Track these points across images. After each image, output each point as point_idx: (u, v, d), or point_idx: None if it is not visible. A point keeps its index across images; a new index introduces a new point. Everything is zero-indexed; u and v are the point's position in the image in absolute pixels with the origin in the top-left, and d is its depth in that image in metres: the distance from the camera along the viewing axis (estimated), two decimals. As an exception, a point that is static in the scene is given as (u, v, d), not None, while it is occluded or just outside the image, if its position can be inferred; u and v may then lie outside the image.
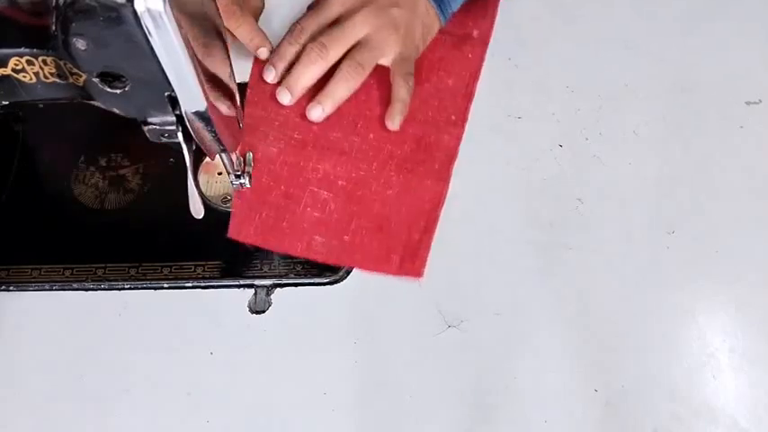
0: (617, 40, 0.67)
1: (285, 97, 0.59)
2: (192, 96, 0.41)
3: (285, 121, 0.60)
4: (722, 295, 0.55)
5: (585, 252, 0.56)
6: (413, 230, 0.56)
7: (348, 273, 0.56)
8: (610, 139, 0.62)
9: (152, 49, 0.37)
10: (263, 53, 0.61)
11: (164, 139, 0.45)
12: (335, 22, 0.60)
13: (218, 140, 0.46)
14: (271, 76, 0.60)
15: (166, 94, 0.41)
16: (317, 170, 0.58)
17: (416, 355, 0.53)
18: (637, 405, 0.51)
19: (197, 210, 0.49)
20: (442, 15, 0.63)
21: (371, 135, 0.60)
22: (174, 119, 0.43)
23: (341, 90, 0.59)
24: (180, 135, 0.44)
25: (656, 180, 0.59)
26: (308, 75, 0.59)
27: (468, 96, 0.63)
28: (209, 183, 0.59)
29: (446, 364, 0.52)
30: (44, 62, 0.40)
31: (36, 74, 0.40)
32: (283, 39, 0.61)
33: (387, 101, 0.60)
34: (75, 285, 0.55)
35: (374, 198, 0.57)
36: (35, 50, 0.39)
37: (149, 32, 0.36)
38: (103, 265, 0.56)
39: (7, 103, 0.43)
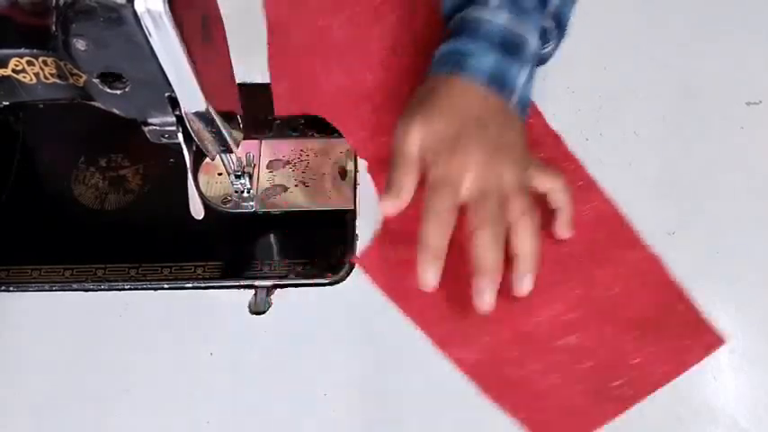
0: (617, 40, 0.67)
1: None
2: (192, 97, 0.41)
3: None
4: (722, 295, 0.55)
5: (585, 252, 0.56)
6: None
7: (348, 273, 0.56)
8: (610, 139, 0.62)
9: (152, 49, 0.37)
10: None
11: (164, 140, 0.45)
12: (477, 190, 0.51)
13: (219, 141, 0.46)
14: (430, 276, 0.49)
15: (166, 94, 0.41)
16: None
17: (416, 355, 0.53)
18: (637, 405, 0.51)
19: (197, 210, 0.49)
20: (524, 118, 0.57)
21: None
22: (174, 119, 0.43)
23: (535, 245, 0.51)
24: (180, 136, 0.44)
25: (656, 180, 0.59)
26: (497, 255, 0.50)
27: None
28: (210, 183, 0.59)
29: (447, 365, 0.52)
30: (44, 63, 0.40)
31: (36, 74, 0.40)
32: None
33: None
34: (75, 286, 0.55)
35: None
36: (35, 51, 0.39)
37: (149, 33, 0.36)
38: (103, 266, 0.56)
39: (7, 103, 0.43)
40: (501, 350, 0.52)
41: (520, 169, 0.53)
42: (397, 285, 0.54)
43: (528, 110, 0.58)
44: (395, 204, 0.52)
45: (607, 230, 0.56)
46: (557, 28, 0.59)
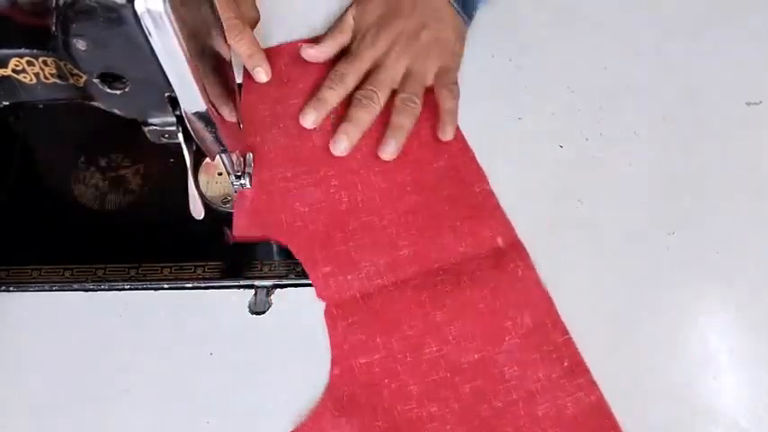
0: (617, 40, 0.67)
1: (342, 144, 0.58)
2: (192, 97, 0.41)
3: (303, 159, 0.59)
4: (722, 295, 0.55)
5: (585, 252, 0.56)
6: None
7: (348, 273, 0.56)
8: (610, 139, 0.62)
9: (152, 49, 0.37)
10: (261, 76, 0.62)
11: (164, 140, 0.45)
12: (373, 66, 0.61)
13: (219, 141, 0.46)
14: (311, 119, 0.60)
15: (167, 94, 0.41)
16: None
17: (416, 355, 0.53)
18: (637, 405, 0.51)
19: (197, 210, 0.49)
20: (467, 17, 0.64)
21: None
22: (174, 119, 0.43)
23: (406, 123, 0.59)
24: (180, 136, 0.44)
25: (656, 180, 0.59)
26: (364, 121, 0.59)
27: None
28: (209, 183, 0.59)
29: (446, 365, 0.52)
30: (44, 63, 0.40)
31: (36, 74, 0.40)
32: (323, 84, 0.61)
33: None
34: (75, 286, 0.55)
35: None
36: (35, 51, 0.39)
37: (149, 33, 0.36)
38: (104, 266, 0.56)
39: (7, 103, 0.43)
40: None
41: (433, 65, 0.62)
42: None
43: (473, 13, 0.65)
44: (313, 55, 0.63)
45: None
46: None
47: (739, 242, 0.57)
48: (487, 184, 0.58)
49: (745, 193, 0.59)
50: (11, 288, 0.55)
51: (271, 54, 0.63)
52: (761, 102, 0.63)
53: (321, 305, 0.54)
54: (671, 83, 0.64)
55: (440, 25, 0.62)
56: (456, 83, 0.62)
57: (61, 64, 0.40)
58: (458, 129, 0.61)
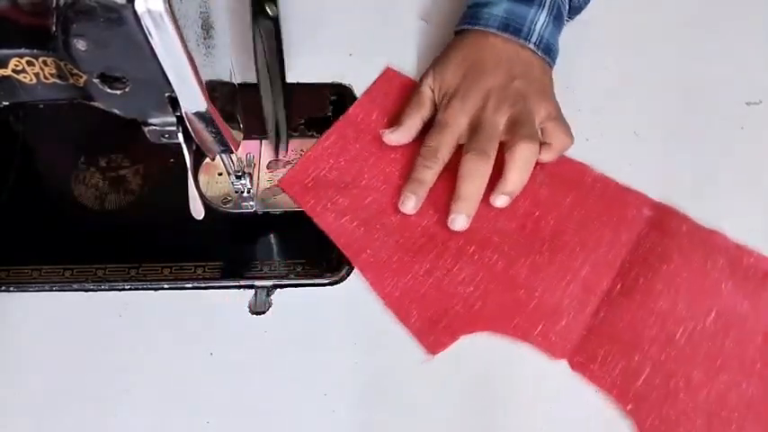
0: (617, 40, 0.67)
1: (461, 221, 0.55)
2: (192, 97, 0.41)
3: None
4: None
5: (585, 252, 0.56)
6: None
7: (348, 273, 0.56)
8: (610, 139, 0.62)
9: (152, 49, 0.37)
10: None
11: (164, 140, 0.45)
12: (471, 129, 0.57)
13: (219, 141, 0.46)
14: (410, 205, 0.56)
15: (167, 94, 0.41)
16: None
17: (416, 356, 0.53)
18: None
19: (197, 210, 0.49)
20: (552, 62, 0.61)
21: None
22: (174, 120, 0.43)
23: (524, 177, 0.55)
24: (180, 136, 0.44)
25: (656, 180, 0.59)
26: (478, 185, 0.55)
27: None
28: (210, 183, 0.59)
29: (446, 365, 0.52)
30: (44, 63, 0.40)
31: (36, 75, 0.40)
32: (417, 164, 0.57)
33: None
34: (75, 286, 0.55)
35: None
36: (35, 51, 0.39)
37: (150, 33, 0.36)
38: (104, 266, 0.56)
39: (7, 103, 0.43)
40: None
41: (542, 108, 0.57)
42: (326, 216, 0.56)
43: (555, 55, 0.61)
44: (395, 140, 0.59)
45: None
46: None
47: (739, 242, 0.57)
48: (594, 170, 0.59)
49: (745, 193, 0.59)
50: (11, 288, 0.55)
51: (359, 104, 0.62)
52: (761, 102, 0.63)
53: (321, 305, 0.54)
54: (671, 83, 0.64)
55: (528, 71, 0.58)
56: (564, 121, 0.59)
57: (61, 64, 0.40)
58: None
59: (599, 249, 0.56)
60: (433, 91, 0.60)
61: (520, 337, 0.53)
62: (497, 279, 0.55)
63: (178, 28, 0.36)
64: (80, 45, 0.38)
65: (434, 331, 0.53)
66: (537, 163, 0.56)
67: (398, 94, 0.63)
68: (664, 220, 0.57)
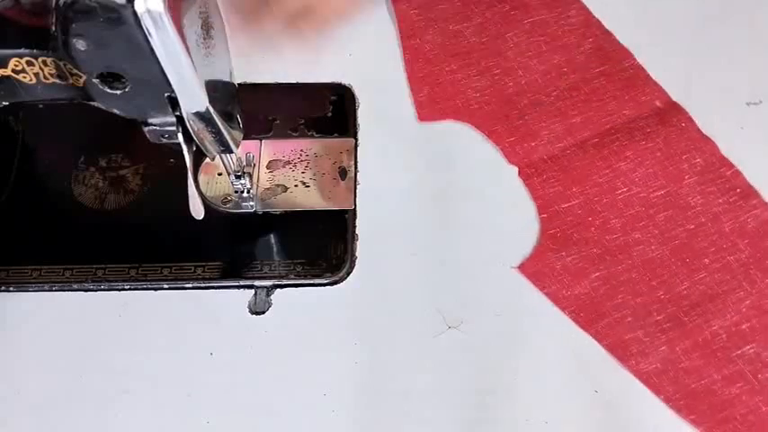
0: (617, 39, 0.67)
1: None
2: (192, 97, 0.41)
3: None
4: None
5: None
6: None
7: (348, 274, 0.56)
8: (610, 139, 0.62)
9: (152, 49, 0.37)
10: None
11: (164, 140, 0.45)
12: None
13: (219, 141, 0.46)
14: None
15: (166, 94, 0.41)
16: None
17: (416, 356, 0.53)
18: (637, 406, 0.51)
19: (197, 210, 0.49)
20: None
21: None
22: (174, 120, 0.43)
23: None
24: (180, 136, 0.44)
25: (656, 180, 0.59)
26: None
27: None
28: (209, 183, 0.59)
29: (446, 365, 0.52)
30: (44, 63, 0.40)
31: (36, 74, 0.41)
32: None
33: None
34: (75, 286, 0.55)
35: None
36: (35, 51, 0.39)
37: (149, 33, 0.36)
38: (103, 266, 0.56)
39: (7, 103, 0.43)
40: (680, 360, 0.52)
41: None
42: (566, 293, 0.55)
43: None
44: None
45: None
46: None
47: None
48: (634, 59, 0.64)
49: (745, 193, 0.59)
50: (11, 288, 0.55)
51: None
52: (761, 102, 0.63)
53: (321, 305, 0.54)
54: (671, 83, 0.64)
55: None
56: None
57: (61, 64, 0.40)
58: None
59: (599, 111, 0.62)
60: None
61: (493, 139, 0.61)
62: (498, 96, 0.63)
63: (178, 28, 0.36)
64: (80, 45, 0.38)
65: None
66: (587, 26, 0.65)
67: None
68: (669, 112, 0.62)
